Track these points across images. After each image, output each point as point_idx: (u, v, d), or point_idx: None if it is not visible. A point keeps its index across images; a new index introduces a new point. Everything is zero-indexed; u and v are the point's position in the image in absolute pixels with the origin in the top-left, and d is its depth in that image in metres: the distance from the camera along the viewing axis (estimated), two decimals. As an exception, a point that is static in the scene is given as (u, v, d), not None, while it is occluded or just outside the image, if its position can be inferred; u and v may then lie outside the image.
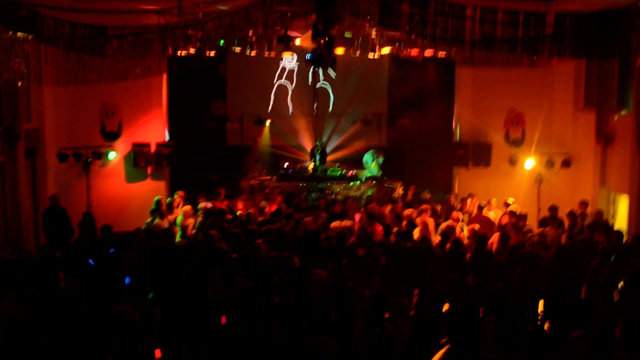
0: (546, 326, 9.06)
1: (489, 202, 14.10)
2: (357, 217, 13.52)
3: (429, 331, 8.21)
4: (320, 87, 19.30)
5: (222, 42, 13.65)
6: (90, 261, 10.33)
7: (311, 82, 19.17)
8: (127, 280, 10.06)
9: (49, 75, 11.08)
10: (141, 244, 11.19)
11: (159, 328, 8.31)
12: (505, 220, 13.04)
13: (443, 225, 12.67)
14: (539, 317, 9.17)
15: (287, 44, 14.71)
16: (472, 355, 7.06)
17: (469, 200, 14.45)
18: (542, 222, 13.05)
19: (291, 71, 19.36)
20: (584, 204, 13.58)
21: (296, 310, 8.49)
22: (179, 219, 13.50)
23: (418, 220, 12.82)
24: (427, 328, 8.27)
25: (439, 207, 14.04)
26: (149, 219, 13.21)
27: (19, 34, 10.18)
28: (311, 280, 9.02)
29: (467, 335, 7.04)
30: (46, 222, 13.88)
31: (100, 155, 16.28)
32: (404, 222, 12.60)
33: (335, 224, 12.59)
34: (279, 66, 19.33)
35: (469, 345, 6.99)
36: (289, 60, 18.94)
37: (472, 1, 10.09)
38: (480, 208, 13.73)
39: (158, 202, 13.64)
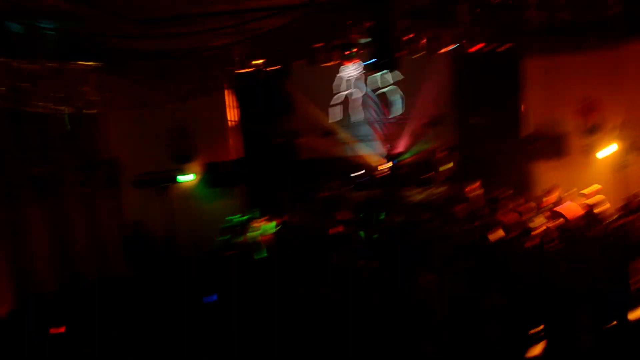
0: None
1: (569, 194, 13.65)
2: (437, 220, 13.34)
3: (520, 330, 8.02)
4: (386, 91, 19.12)
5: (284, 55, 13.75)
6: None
7: (376, 87, 19.03)
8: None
9: (119, 102, 11.36)
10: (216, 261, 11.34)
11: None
12: (586, 211, 12.60)
13: (520, 221, 12.35)
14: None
15: (348, 52, 14.65)
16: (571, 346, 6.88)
17: (550, 194, 14.02)
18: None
19: (356, 79, 19.25)
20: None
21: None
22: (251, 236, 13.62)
23: (499, 218, 12.55)
24: (518, 327, 8.08)
25: (517, 204, 13.67)
26: (220, 238, 13.38)
27: (89, 62, 10.48)
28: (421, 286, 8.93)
29: (562, 328, 6.85)
30: (127, 249, 14.19)
31: (175, 179, 16.56)
32: (487, 221, 12.35)
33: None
34: (342, 76, 19.27)
35: (565, 337, 6.81)
36: (353, 69, 18.84)
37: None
38: (559, 200, 13.31)
39: (232, 221, 13.84)
